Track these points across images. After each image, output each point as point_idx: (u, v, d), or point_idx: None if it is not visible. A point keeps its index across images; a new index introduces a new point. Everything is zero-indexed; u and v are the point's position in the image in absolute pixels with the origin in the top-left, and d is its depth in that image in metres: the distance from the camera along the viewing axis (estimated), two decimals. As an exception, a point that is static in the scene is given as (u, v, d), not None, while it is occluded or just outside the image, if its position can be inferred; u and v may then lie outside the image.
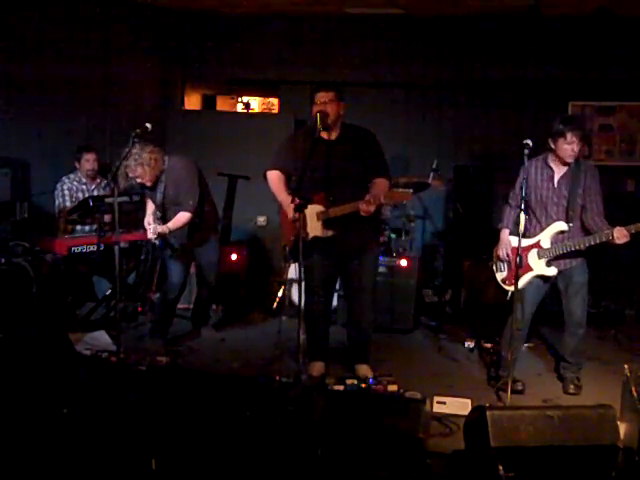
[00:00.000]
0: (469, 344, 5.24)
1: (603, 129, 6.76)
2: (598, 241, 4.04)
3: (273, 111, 8.27)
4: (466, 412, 3.60)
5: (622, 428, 3.26)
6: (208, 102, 8.16)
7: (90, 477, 3.14)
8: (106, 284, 5.71)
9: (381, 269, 5.61)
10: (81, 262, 5.52)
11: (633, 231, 3.92)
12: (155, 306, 5.46)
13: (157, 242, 4.97)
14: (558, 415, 3.16)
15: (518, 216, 4.43)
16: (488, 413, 3.14)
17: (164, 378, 3.88)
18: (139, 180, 4.80)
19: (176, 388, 3.66)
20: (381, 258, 5.66)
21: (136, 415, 3.45)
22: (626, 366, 3.49)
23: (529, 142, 4.00)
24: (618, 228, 3.95)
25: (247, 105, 8.47)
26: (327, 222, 4.25)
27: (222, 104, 8.29)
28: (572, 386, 4.36)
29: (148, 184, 4.86)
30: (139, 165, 4.69)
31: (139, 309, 5.77)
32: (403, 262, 5.68)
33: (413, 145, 7.02)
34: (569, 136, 4.06)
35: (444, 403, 4.02)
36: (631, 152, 6.72)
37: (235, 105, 8.43)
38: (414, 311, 5.71)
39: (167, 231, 4.80)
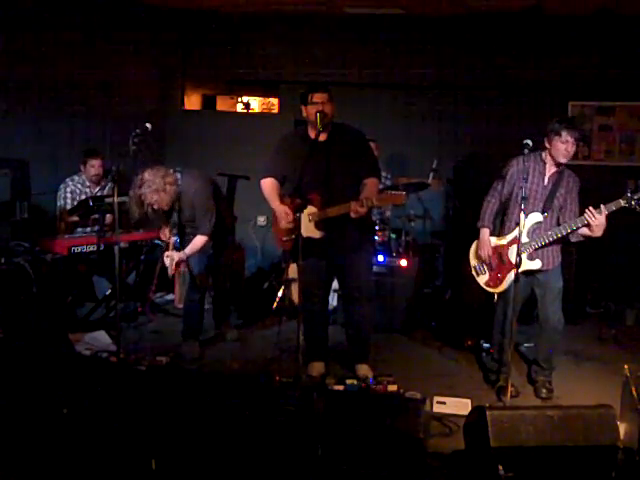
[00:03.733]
0: (469, 344, 5.24)
1: (603, 129, 6.76)
2: (574, 227, 4.00)
3: (273, 111, 8.27)
4: (466, 412, 3.60)
5: (622, 428, 3.26)
6: (208, 102, 8.16)
7: (90, 477, 3.14)
8: (106, 284, 5.71)
9: (381, 269, 5.62)
10: (81, 262, 5.53)
11: (607, 211, 3.87)
12: (183, 308, 5.32)
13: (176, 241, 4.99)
14: (558, 415, 3.16)
15: (497, 214, 4.42)
16: (488, 413, 3.14)
17: (164, 378, 3.88)
18: (156, 206, 4.63)
19: (176, 388, 3.65)
20: (383, 258, 5.68)
21: (136, 415, 3.45)
22: (626, 366, 3.49)
23: (529, 142, 3.99)
24: (586, 210, 3.91)
25: (247, 105, 8.47)
26: (319, 223, 4.27)
27: (222, 104, 8.29)
28: (545, 390, 4.30)
29: (166, 208, 4.72)
30: (154, 192, 4.55)
31: (139, 309, 5.78)
32: (403, 262, 5.68)
33: (413, 145, 7.02)
34: (564, 134, 4.03)
35: (444, 403, 4.02)
36: (631, 152, 6.72)
37: (235, 105, 8.42)
38: (414, 311, 5.71)
39: (185, 257, 4.79)
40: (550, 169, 4.19)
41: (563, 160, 4.11)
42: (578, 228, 4.01)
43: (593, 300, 6.28)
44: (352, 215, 4.08)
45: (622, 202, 3.88)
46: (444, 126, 7.01)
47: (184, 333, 5.10)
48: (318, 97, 4.22)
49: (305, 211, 4.16)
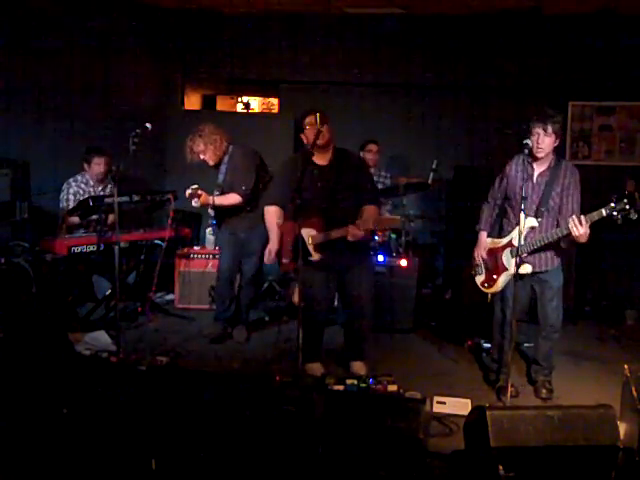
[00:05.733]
0: (469, 344, 5.24)
1: (603, 129, 6.76)
2: (560, 235, 3.97)
3: (273, 111, 8.28)
4: (466, 412, 3.59)
5: (622, 428, 3.25)
6: (208, 102, 8.17)
7: (90, 477, 3.14)
8: (106, 284, 5.71)
9: (381, 269, 5.62)
10: (81, 262, 5.53)
11: (589, 221, 3.82)
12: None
13: (211, 217, 5.32)
14: (558, 415, 3.16)
15: (496, 216, 4.41)
16: (488, 413, 3.14)
17: (164, 378, 3.88)
18: (202, 156, 5.10)
19: (176, 388, 3.65)
20: (383, 258, 5.68)
21: (136, 415, 3.45)
22: (626, 366, 3.49)
23: (529, 142, 3.99)
24: (570, 219, 3.87)
25: (247, 105, 8.48)
26: (317, 246, 4.32)
27: (222, 104, 8.29)
28: (544, 390, 4.29)
29: (210, 162, 5.15)
30: (202, 141, 5.05)
31: (139, 309, 5.78)
32: (403, 262, 5.68)
33: (413, 145, 7.03)
34: (533, 129, 4.01)
35: (444, 403, 4.02)
36: (631, 152, 6.72)
37: (235, 105, 8.43)
38: (414, 311, 5.71)
39: (210, 202, 5.06)
40: (539, 168, 4.12)
41: (538, 155, 4.05)
42: (564, 236, 3.98)
43: (593, 300, 6.28)
44: (349, 238, 4.17)
45: (604, 212, 3.80)
46: (444, 126, 7.02)
47: (215, 316, 5.46)
48: (311, 119, 4.30)
49: (306, 233, 4.22)
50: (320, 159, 4.36)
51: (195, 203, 5.06)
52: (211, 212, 5.29)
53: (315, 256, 4.32)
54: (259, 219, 5.05)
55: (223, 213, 5.25)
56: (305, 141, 4.42)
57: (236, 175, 5.10)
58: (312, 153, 4.28)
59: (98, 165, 5.82)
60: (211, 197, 5.06)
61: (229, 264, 5.31)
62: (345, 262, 4.42)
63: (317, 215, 4.29)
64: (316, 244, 4.31)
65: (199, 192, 5.00)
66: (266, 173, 5.20)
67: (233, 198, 5.07)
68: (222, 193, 5.15)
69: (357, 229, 4.14)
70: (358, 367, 4.59)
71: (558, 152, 4.25)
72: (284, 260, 4.46)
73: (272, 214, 4.56)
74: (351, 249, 4.32)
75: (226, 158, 5.17)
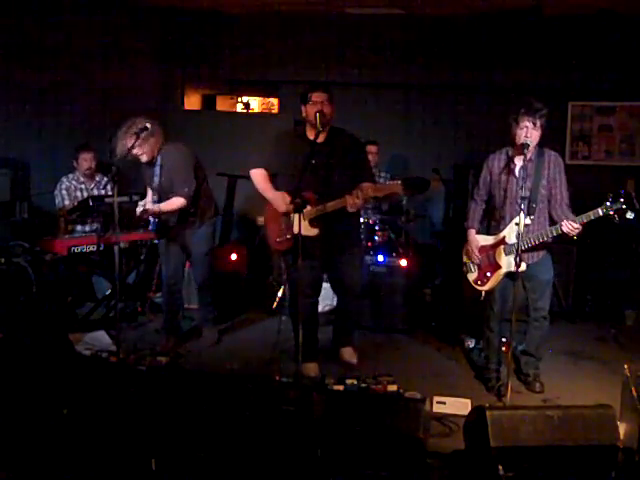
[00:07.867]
0: (469, 344, 5.24)
1: (603, 129, 6.76)
2: (555, 233, 3.97)
3: (273, 111, 8.27)
4: (466, 412, 3.60)
5: (622, 428, 3.26)
6: (208, 102, 8.16)
7: (90, 477, 3.14)
8: (106, 284, 5.72)
9: (381, 269, 5.63)
10: (81, 262, 5.53)
11: (585, 220, 3.85)
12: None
13: (150, 223, 5.08)
14: (558, 415, 3.16)
15: (484, 214, 4.40)
16: (488, 413, 3.14)
17: (164, 378, 3.88)
18: (134, 151, 4.64)
19: (176, 388, 3.65)
20: (383, 258, 5.68)
21: (136, 415, 3.45)
22: (626, 366, 3.49)
23: (528, 142, 3.98)
24: (564, 222, 3.89)
25: (247, 105, 8.47)
26: (314, 221, 4.29)
27: (222, 104, 8.29)
28: (538, 384, 4.36)
29: (144, 158, 4.78)
30: (134, 135, 4.57)
31: (139, 309, 5.78)
32: (403, 262, 5.68)
33: (413, 145, 7.02)
34: (520, 120, 3.99)
35: (444, 403, 4.02)
36: (631, 152, 6.71)
37: (235, 105, 8.43)
38: (414, 311, 5.71)
39: (157, 211, 4.79)
40: (520, 163, 4.07)
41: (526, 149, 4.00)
42: (558, 234, 3.99)
43: (593, 300, 6.28)
44: (349, 209, 4.13)
45: (600, 212, 3.80)
46: (444, 126, 7.01)
47: (163, 327, 5.23)
48: (317, 96, 4.25)
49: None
50: (315, 135, 4.23)
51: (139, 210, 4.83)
52: (151, 218, 5.07)
53: (312, 231, 4.27)
54: (201, 221, 4.96)
55: (164, 222, 4.98)
56: (304, 114, 4.32)
57: (175, 176, 4.78)
58: (304, 130, 4.25)
59: (85, 160, 5.88)
60: (156, 206, 4.79)
61: (172, 272, 5.06)
62: (337, 242, 4.41)
63: (312, 191, 4.24)
64: (312, 219, 4.27)
65: (147, 208, 4.73)
66: (202, 172, 5.01)
67: (177, 202, 4.74)
68: (159, 197, 4.91)
69: (356, 197, 4.08)
70: (348, 354, 4.67)
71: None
72: (277, 239, 4.40)
73: (261, 176, 4.48)
74: (343, 228, 4.35)
75: (159, 158, 4.81)
